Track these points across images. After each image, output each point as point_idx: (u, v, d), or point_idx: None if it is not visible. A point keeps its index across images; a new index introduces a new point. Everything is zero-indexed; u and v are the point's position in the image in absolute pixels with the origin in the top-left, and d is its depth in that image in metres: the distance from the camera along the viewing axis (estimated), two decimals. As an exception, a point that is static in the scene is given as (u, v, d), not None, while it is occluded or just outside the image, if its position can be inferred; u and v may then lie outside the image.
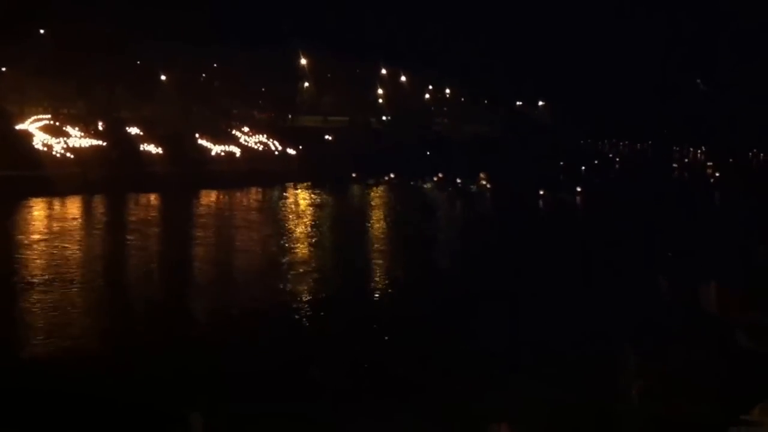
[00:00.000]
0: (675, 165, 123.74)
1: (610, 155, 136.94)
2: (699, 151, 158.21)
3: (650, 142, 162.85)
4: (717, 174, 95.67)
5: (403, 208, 53.99)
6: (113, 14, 65.86)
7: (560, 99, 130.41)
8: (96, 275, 27.37)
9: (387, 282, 27.66)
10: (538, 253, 31.49)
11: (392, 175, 70.62)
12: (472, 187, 66.57)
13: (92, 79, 66.54)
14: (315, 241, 37.38)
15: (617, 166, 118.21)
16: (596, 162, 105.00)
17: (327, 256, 32.76)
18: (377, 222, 45.56)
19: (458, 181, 68.41)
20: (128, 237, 36.85)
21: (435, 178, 69.89)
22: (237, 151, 74.67)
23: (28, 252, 31.06)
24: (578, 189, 63.85)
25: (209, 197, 56.41)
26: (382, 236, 40.19)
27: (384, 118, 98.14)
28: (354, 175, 69.78)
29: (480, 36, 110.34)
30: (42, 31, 65.11)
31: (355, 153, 74.69)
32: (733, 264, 24.75)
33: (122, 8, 66.34)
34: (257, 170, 67.57)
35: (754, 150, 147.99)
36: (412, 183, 67.66)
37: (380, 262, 31.96)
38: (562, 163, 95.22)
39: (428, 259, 32.09)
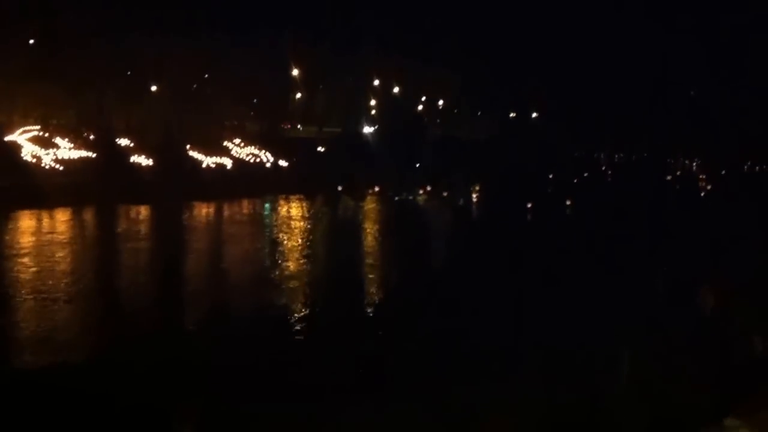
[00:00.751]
0: (669, 177, 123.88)
1: (603, 167, 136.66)
2: (694, 163, 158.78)
3: (646, 154, 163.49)
4: (708, 187, 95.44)
5: (382, 226, 51.94)
6: (103, 20, 65.46)
7: (555, 110, 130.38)
8: (76, 289, 26.61)
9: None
10: (520, 266, 29.94)
11: (377, 188, 69.50)
12: (460, 200, 65.34)
13: (82, 88, 66.02)
14: (279, 257, 36.26)
15: (609, 178, 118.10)
16: (586, 175, 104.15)
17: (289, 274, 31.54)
18: (346, 240, 42.76)
19: (444, 194, 67.56)
20: (114, 250, 36.37)
21: (421, 191, 68.85)
22: (229, 162, 74.35)
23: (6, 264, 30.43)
24: (568, 202, 62.83)
25: (200, 209, 56.00)
26: (345, 256, 38.06)
27: (367, 130, 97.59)
28: (340, 188, 68.70)
29: (474, 47, 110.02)
30: (31, 42, 64.59)
31: (347, 164, 74.10)
32: (731, 268, 24.26)
33: (112, 13, 66.00)
34: (249, 182, 67.25)
35: (749, 162, 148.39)
36: (396, 198, 66.10)
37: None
38: (551, 176, 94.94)
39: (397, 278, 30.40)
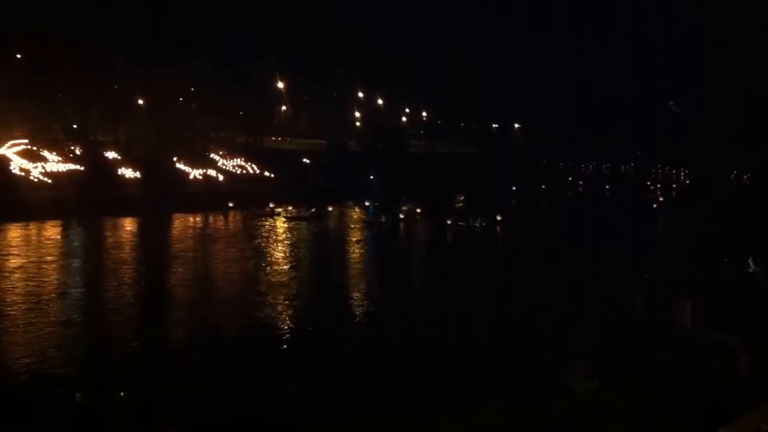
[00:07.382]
0: (651, 186, 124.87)
1: (570, 178, 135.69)
2: (682, 173, 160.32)
3: (632, 164, 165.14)
4: (661, 198, 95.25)
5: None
6: (90, 36, 66.01)
7: (537, 122, 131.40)
8: (54, 301, 27.20)
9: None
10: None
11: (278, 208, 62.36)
12: (383, 218, 58.92)
13: (69, 102, 66.44)
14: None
15: (580, 189, 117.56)
16: (543, 186, 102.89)
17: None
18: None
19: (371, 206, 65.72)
20: (96, 262, 36.84)
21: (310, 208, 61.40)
22: (214, 174, 74.85)
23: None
24: (498, 217, 57.94)
25: (185, 221, 56.29)
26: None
27: (349, 142, 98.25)
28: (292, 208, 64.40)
29: (457, 59, 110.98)
30: (18, 56, 65.02)
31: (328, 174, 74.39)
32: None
33: (99, 31, 66.57)
34: (234, 194, 67.51)
35: (735, 172, 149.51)
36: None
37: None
38: (514, 188, 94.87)
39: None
